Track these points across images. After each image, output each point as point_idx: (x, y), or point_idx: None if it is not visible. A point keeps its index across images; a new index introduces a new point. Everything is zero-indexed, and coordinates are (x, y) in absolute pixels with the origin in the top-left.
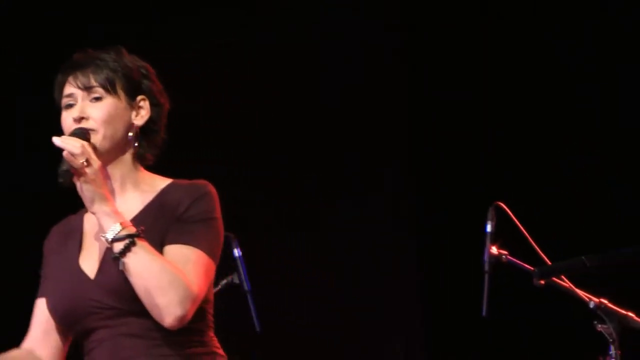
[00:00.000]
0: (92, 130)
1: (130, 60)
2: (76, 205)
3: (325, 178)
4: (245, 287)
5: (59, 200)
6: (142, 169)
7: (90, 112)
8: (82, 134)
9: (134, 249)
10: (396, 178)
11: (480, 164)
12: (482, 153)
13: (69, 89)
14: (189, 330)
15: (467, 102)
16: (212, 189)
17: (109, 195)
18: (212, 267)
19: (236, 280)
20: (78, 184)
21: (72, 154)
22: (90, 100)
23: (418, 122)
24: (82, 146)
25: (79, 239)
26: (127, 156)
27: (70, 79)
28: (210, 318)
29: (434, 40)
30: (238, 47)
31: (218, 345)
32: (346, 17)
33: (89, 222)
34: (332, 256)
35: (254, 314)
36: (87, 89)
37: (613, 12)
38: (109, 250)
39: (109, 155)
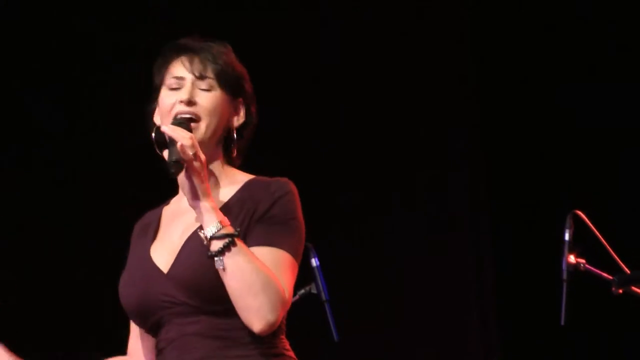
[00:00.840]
0: (198, 118)
1: (238, 61)
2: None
3: (401, 188)
4: (323, 296)
5: None
6: (226, 166)
7: (199, 100)
8: (185, 124)
9: (232, 248)
10: (473, 183)
11: (558, 171)
12: (560, 160)
13: (180, 70)
14: None
15: (542, 107)
16: (293, 188)
17: (210, 190)
18: (297, 268)
19: (314, 290)
20: (182, 177)
21: (183, 145)
22: (200, 89)
23: (492, 127)
24: (192, 138)
25: (154, 231)
26: (217, 153)
27: (185, 60)
28: (284, 321)
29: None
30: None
31: (289, 347)
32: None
33: (167, 214)
34: (408, 265)
35: (331, 323)
36: (201, 77)
37: None
38: (187, 244)
39: (206, 145)
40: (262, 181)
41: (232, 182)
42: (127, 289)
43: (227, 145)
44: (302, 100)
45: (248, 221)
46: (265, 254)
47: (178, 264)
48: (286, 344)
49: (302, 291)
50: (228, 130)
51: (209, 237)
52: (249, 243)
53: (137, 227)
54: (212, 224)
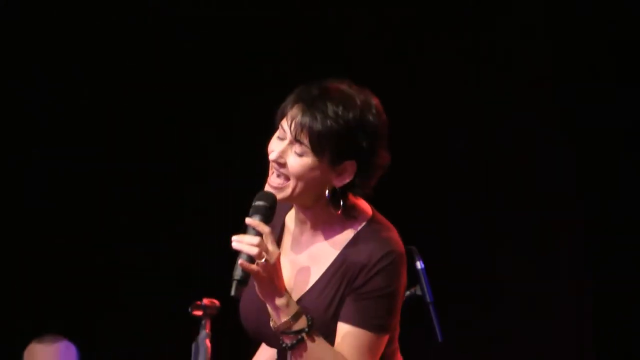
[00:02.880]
0: (287, 178)
1: (359, 114)
2: None
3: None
4: (428, 298)
5: None
6: (334, 216)
7: (289, 160)
8: (262, 211)
9: (302, 345)
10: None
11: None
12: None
13: (285, 123)
14: None
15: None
16: (397, 256)
17: (283, 284)
18: (384, 343)
19: (419, 292)
20: (254, 278)
21: (251, 256)
22: (294, 150)
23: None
24: (259, 243)
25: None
26: (319, 204)
27: (292, 115)
28: (392, 348)
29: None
30: None
31: None
32: None
33: (287, 235)
34: (511, 280)
35: (436, 325)
36: (296, 140)
37: None
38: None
39: (300, 201)
40: (369, 241)
41: (342, 229)
42: (244, 318)
43: (339, 196)
44: None
45: (348, 293)
46: (348, 334)
47: None
48: None
49: (408, 293)
50: (328, 189)
51: (279, 332)
52: (340, 317)
53: None
54: (282, 320)
